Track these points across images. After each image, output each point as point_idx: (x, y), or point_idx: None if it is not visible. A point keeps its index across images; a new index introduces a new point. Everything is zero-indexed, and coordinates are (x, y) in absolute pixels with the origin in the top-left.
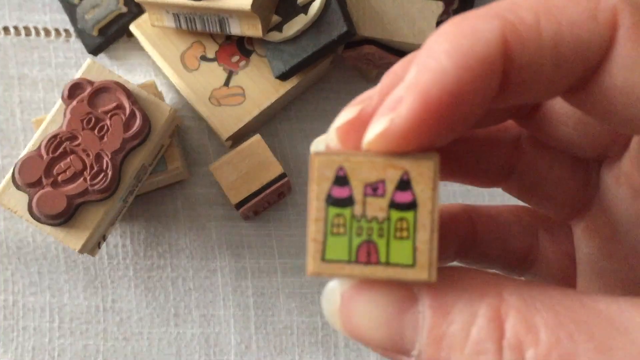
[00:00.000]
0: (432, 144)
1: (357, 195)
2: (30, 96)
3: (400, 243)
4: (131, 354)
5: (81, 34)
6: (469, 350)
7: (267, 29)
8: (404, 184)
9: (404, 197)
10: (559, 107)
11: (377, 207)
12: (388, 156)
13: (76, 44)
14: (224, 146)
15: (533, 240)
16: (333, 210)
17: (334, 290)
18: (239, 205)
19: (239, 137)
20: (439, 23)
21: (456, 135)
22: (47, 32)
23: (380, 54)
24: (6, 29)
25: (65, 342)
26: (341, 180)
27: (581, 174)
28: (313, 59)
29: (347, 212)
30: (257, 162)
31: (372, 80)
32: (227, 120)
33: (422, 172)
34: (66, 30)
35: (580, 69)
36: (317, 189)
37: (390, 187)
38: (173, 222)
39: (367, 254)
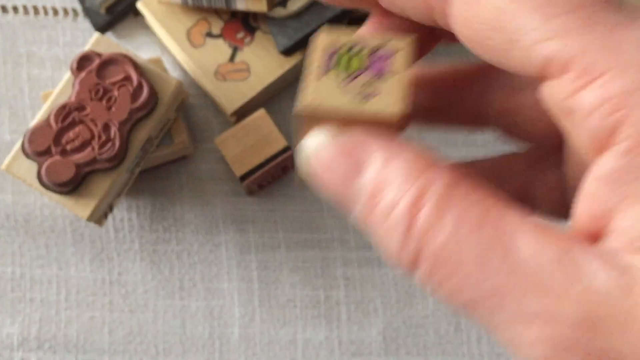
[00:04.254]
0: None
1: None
2: (39, 73)
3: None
4: (136, 326)
5: (89, 12)
6: (383, 231)
7: (272, 5)
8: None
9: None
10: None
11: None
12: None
13: (84, 23)
14: (229, 123)
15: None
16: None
17: (306, 147)
18: (244, 177)
19: (243, 113)
20: None
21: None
22: (55, 11)
23: None
24: (15, 8)
25: (71, 313)
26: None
27: None
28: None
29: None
30: (262, 135)
31: None
32: (232, 95)
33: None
34: (74, 10)
35: (425, 14)
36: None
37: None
38: (178, 197)
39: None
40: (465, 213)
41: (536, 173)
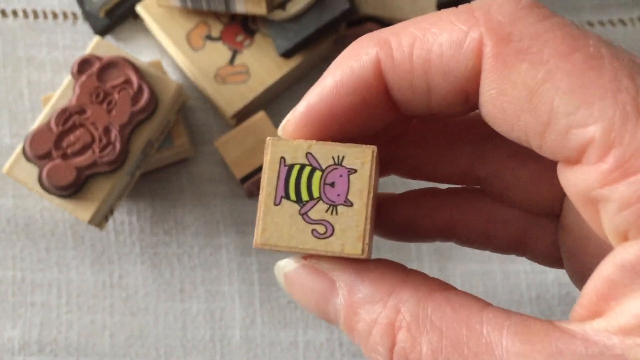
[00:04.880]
0: (325, 136)
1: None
2: (39, 77)
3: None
4: (137, 329)
5: (88, 16)
6: (369, 348)
7: (271, 7)
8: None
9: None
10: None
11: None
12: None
13: (83, 27)
14: (229, 125)
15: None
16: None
17: (279, 269)
18: (244, 180)
19: (243, 116)
20: (440, 1)
21: (358, 132)
22: (55, 15)
23: None
24: (15, 12)
25: (72, 317)
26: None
27: (548, 176)
28: (316, 37)
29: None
30: (262, 138)
31: None
32: (231, 97)
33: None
34: (73, 13)
35: (453, 95)
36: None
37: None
38: (178, 200)
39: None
40: (444, 331)
41: (532, 219)
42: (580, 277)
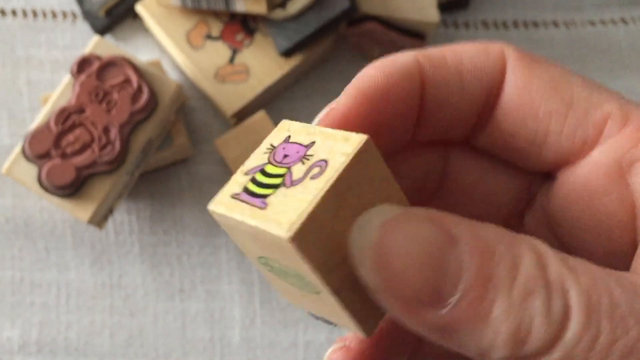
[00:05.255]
0: (366, 130)
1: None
2: (38, 76)
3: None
4: (137, 329)
5: (88, 15)
6: (518, 292)
7: (271, 6)
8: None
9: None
10: (511, 119)
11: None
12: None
13: (82, 26)
14: (229, 124)
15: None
16: None
17: (370, 221)
18: None
19: (243, 115)
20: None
21: (390, 132)
22: (54, 14)
23: (382, 30)
24: (14, 12)
25: (71, 317)
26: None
27: (516, 186)
28: (316, 36)
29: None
30: (262, 137)
31: (374, 59)
32: (231, 97)
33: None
34: (73, 13)
35: (482, 93)
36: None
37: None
38: (178, 200)
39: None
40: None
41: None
42: None
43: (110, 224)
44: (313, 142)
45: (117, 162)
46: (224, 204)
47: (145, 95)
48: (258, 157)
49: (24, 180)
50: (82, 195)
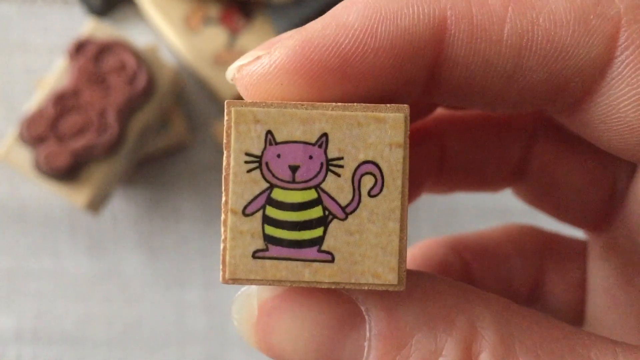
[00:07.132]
0: (319, 96)
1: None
2: (34, 61)
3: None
4: (134, 318)
5: None
6: None
7: None
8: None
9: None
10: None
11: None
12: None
13: (78, 10)
14: None
15: (538, 274)
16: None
17: (249, 297)
18: None
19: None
20: None
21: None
22: None
23: None
24: None
25: (67, 305)
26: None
27: (606, 182)
28: (315, 19)
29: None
30: None
31: None
32: (230, 82)
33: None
34: None
35: (546, 88)
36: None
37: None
38: (176, 188)
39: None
40: (540, 356)
41: (555, 270)
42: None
43: (107, 212)
44: (325, 135)
45: (114, 147)
46: (253, 271)
47: (142, 80)
48: (241, 181)
49: (19, 166)
50: (79, 179)
